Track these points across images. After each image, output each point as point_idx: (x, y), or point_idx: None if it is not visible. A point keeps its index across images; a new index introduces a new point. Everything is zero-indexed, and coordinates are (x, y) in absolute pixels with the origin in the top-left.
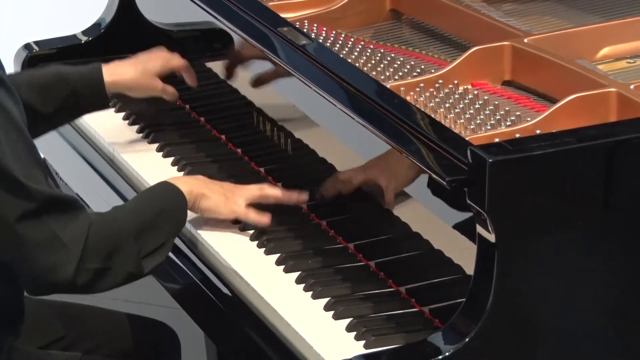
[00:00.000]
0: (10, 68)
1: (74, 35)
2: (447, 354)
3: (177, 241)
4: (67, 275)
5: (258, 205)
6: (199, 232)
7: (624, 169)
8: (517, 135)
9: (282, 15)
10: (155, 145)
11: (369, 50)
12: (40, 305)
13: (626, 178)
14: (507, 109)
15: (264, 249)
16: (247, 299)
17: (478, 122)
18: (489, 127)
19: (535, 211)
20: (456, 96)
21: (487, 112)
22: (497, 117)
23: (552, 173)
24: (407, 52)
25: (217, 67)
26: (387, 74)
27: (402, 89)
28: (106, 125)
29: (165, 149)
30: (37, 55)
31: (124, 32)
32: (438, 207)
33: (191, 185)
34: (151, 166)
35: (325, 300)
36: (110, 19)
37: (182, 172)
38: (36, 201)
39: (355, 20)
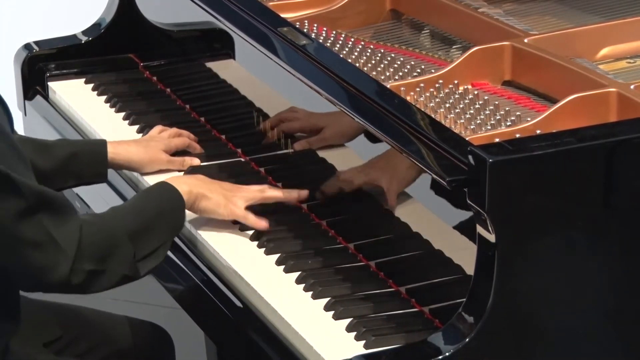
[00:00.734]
0: (10, 68)
1: (74, 35)
2: (447, 354)
3: (177, 241)
4: (62, 275)
5: (258, 205)
6: (199, 232)
7: (624, 169)
8: (517, 135)
9: (282, 15)
10: None
11: (369, 51)
12: (36, 306)
13: (626, 178)
14: (507, 109)
15: (264, 249)
16: (247, 299)
17: (478, 122)
18: (489, 127)
19: (535, 211)
20: (456, 96)
21: (487, 112)
22: (497, 117)
23: (552, 173)
24: (407, 52)
25: (217, 67)
26: (387, 74)
27: (402, 89)
28: (106, 125)
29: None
30: (37, 55)
31: (124, 32)
32: (438, 207)
33: (190, 185)
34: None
35: (325, 300)
36: (110, 19)
37: (182, 172)
38: (28, 197)
39: (355, 20)
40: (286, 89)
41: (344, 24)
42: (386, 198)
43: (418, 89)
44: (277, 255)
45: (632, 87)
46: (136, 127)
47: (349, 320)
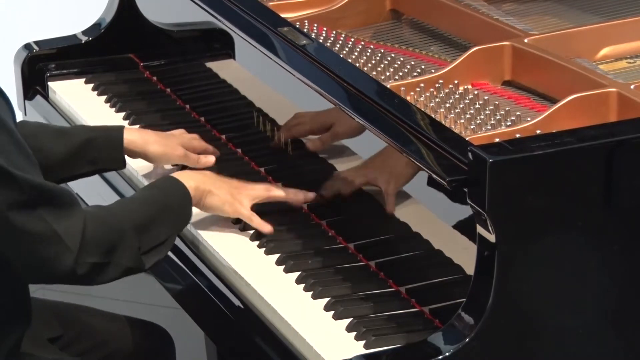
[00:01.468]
0: (10, 68)
1: (74, 35)
2: (447, 354)
3: (177, 241)
4: (67, 267)
5: (259, 204)
6: (199, 232)
7: (624, 169)
8: (517, 135)
9: (282, 15)
10: None
11: (369, 51)
12: (38, 305)
13: (626, 178)
14: (507, 109)
15: (264, 249)
16: (247, 299)
17: (478, 122)
18: (489, 127)
19: (535, 211)
20: (456, 96)
21: (487, 112)
22: (498, 117)
23: (552, 173)
24: (407, 52)
25: (217, 67)
26: (387, 74)
27: (402, 89)
28: (106, 125)
29: None
30: (37, 55)
31: (124, 32)
32: (438, 207)
33: (197, 181)
34: (151, 166)
35: (325, 300)
36: (110, 19)
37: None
38: (27, 192)
39: (355, 20)
40: (286, 89)
41: (344, 24)
42: (384, 197)
43: (418, 89)
44: (277, 255)
45: (632, 87)
46: (136, 127)
47: (349, 320)
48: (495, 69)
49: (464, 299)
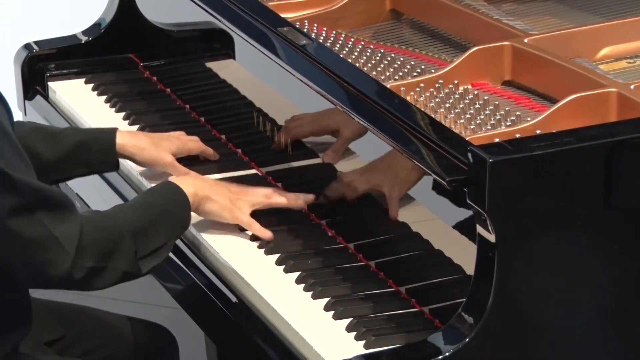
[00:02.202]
0: (10, 68)
1: (74, 35)
2: (447, 354)
3: (178, 241)
4: (63, 271)
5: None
6: (200, 232)
7: (624, 169)
8: (517, 135)
9: (282, 15)
10: None
11: (369, 50)
12: (39, 306)
13: (626, 178)
14: (507, 109)
15: (264, 249)
16: (247, 299)
17: (478, 122)
18: (489, 127)
19: (535, 211)
20: (456, 96)
21: (487, 112)
22: (497, 117)
23: (552, 173)
24: (407, 52)
25: (217, 67)
26: (387, 74)
27: (402, 89)
28: (106, 125)
29: None
30: (37, 55)
31: (124, 32)
32: (438, 207)
33: (196, 187)
34: None
35: (325, 300)
36: (110, 19)
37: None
38: (26, 195)
39: (355, 20)
40: (286, 89)
41: (344, 24)
42: (387, 202)
43: (418, 89)
44: (277, 255)
45: (632, 87)
46: (136, 127)
47: (349, 320)
48: (495, 69)
49: (464, 299)
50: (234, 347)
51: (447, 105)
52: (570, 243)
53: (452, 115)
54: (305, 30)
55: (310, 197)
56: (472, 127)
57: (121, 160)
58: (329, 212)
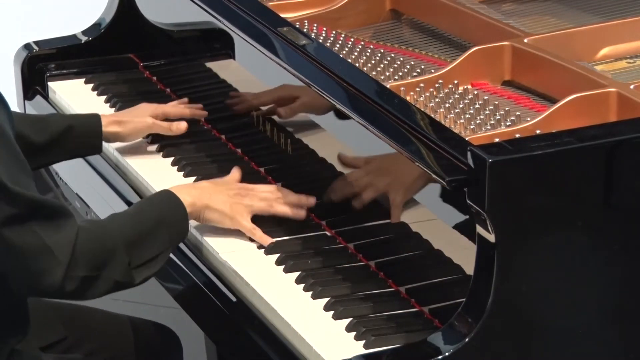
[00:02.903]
0: (10, 68)
1: (74, 35)
2: (447, 354)
3: None
4: (55, 281)
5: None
6: (199, 232)
7: (624, 169)
8: (517, 135)
9: (282, 15)
10: (155, 146)
11: (369, 50)
12: (41, 307)
13: (626, 178)
14: (507, 109)
15: (264, 249)
16: (247, 299)
17: (478, 122)
18: (489, 127)
19: (535, 211)
20: (456, 96)
21: (487, 112)
22: (497, 117)
23: (552, 173)
24: (407, 52)
25: (217, 67)
26: (387, 74)
27: (402, 89)
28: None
29: (165, 149)
30: (37, 55)
31: (124, 32)
32: (438, 207)
33: (194, 196)
34: (151, 165)
35: (325, 300)
36: (110, 19)
37: (182, 172)
38: (20, 205)
39: (355, 20)
40: None
41: (344, 24)
42: (391, 207)
43: (418, 89)
44: (277, 255)
45: (632, 87)
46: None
47: (348, 320)
48: (495, 69)
49: (464, 299)
50: (233, 346)
51: (447, 105)
52: (570, 243)
53: (451, 115)
54: (305, 30)
55: (312, 200)
56: (471, 127)
57: (119, 159)
58: (329, 212)
